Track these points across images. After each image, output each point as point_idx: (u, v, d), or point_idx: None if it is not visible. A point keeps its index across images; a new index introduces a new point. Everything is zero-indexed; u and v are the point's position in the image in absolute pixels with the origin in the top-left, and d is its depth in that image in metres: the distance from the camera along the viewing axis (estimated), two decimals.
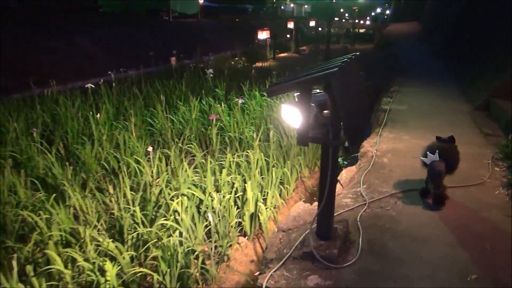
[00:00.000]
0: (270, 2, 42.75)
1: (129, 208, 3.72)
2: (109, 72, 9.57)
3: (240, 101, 6.75)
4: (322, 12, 52.13)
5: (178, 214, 3.65)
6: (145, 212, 3.81)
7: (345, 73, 2.46)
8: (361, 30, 32.77)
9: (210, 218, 3.62)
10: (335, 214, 3.08)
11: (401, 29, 24.48)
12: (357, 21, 34.71)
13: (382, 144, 5.48)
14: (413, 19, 27.28)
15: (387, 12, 52.12)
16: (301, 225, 3.36)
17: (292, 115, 2.61)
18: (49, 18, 17.99)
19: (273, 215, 4.55)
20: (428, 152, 3.69)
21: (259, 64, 15.96)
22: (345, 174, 4.51)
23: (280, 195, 4.91)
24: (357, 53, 3.14)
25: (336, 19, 35.74)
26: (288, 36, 22.61)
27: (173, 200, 3.80)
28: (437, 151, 3.66)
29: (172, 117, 6.96)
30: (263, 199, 4.43)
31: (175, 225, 3.53)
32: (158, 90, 9.02)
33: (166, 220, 3.60)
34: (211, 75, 9.92)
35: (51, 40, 14.80)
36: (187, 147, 5.73)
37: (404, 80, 10.44)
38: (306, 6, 56.39)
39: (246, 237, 4.20)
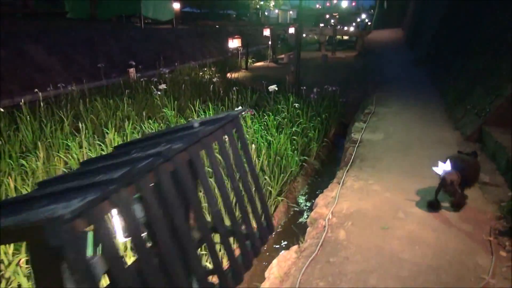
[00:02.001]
0: (254, 8, 41.26)
1: None
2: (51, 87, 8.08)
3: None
4: (307, 19, 50.89)
5: None
6: None
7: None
8: (345, 37, 31.39)
9: None
10: None
11: (384, 35, 23.11)
12: (339, 27, 33.33)
13: (342, 201, 3.92)
14: (396, 25, 25.98)
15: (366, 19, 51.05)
16: None
17: None
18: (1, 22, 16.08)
19: None
20: (439, 162, 3.66)
21: (230, 75, 14.39)
22: (275, 269, 2.91)
23: None
24: (233, 114, 1.63)
25: (321, 25, 34.35)
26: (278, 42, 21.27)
27: None
28: (448, 160, 3.65)
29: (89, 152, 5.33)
30: None
31: None
32: (98, 111, 7.51)
33: None
34: (159, 92, 8.30)
35: None
36: None
37: (382, 97, 8.91)
38: (291, 12, 55.01)
39: None
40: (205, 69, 14.75)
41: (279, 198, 5.15)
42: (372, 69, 13.53)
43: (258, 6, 41.38)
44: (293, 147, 6.32)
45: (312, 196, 5.93)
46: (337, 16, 27.15)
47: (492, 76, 6.47)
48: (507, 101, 5.65)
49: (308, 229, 3.56)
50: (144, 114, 7.77)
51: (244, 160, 1.73)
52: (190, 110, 7.71)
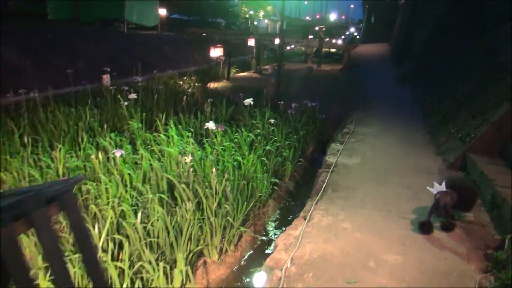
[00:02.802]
0: (243, 17, 40.93)
1: None
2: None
3: (118, 153, 4.50)
4: (296, 30, 50.79)
5: None
6: None
7: None
8: (332, 50, 31.17)
9: None
10: None
11: (370, 50, 22.81)
12: (327, 40, 33.12)
13: (306, 243, 3.35)
14: (384, 40, 25.76)
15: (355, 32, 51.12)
16: None
17: None
18: None
19: None
20: (435, 182, 3.62)
21: (210, 85, 13.82)
22: None
23: None
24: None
25: (310, 37, 34.13)
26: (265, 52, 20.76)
27: None
28: (444, 181, 3.61)
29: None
30: None
31: None
32: (59, 121, 6.90)
33: None
34: (126, 102, 7.67)
35: None
36: None
37: (363, 116, 8.42)
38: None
39: None
40: (185, 77, 14.15)
41: (242, 229, 4.56)
42: (356, 84, 13.10)
43: (247, 16, 41.05)
44: (266, 167, 5.75)
45: (283, 222, 5.38)
46: (323, 29, 26.79)
47: (478, 100, 6.01)
48: (493, 127, 5.18)
49: (265, 275, 2.97)
50: (110, 125, 7.21)
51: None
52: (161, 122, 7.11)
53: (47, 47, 14.89)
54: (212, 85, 13.78)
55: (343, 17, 71.36)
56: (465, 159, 5.29)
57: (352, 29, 55.84)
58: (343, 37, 47.46)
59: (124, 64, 16.02)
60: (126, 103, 7.72)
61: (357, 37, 43.66)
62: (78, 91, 10.15)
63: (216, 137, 6.23)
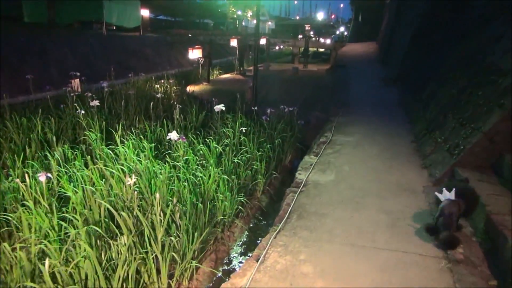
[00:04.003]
0: (231, 18, 40.17)
1: None
2: None
3: (42, 178, 3.69)
4: (285, 30, 50.14)
5: None
6: None
7: None
8: (321, 50, 30.50)
9: None
10: None
11: (357, 49, 22.16)
12: (314, 39, 32.43)
13: None
14: (372, 39, 25.16)
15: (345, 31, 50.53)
16: None
17: None
18: None
19: None
20: (444, 189, 3.50)
21: (189, 89, 13.04)
22: None
23: None
24: None
25: (300, 36, 33.41)
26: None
27: None
28: (454, 189, 3.47)
29: None
30: None
31: None
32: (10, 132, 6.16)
33: None
34: (83, 111, 6.88)
35: None
36: None
37: (344, 121, 7.71)
38: (270, 23, 54.11)
39: None
40: (162, 81, 13.35)
41: (193, 264, 3.81)
42: (340, 86, 12.39)
43: (235, 16, 40.32)
44: (233, 183, 5.01)
45: (251, 246, 4.67)
46: (309, 28, 26.12)
47: (467, 105, 5.32)
48: (485, 137, 4.48)
49: None
50: (69, 136, 6.49)
51: None
52: (124, 132, 6.37)
53: (18, 52, 14.02)
54: (191, 88, 13.01)
55: (333, 16, 70.86)
56: (453, 174, 4.58)
57: (342, 28, 55.26)
58: (333, 36, 46.89)
59: (101, 68, 15.17)
60: (82, 111, 6.93)
61: (345, 34, 43.10)
62: (40, 99, 9.35)
63: (179, 149, 5.52)
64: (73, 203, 3.83)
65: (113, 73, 12.12)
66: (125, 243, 3.37)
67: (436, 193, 3.57)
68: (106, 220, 3.74)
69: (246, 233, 5.19)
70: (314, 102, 10.44)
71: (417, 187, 4.52)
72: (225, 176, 4.88)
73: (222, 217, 4.64)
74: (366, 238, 3.36)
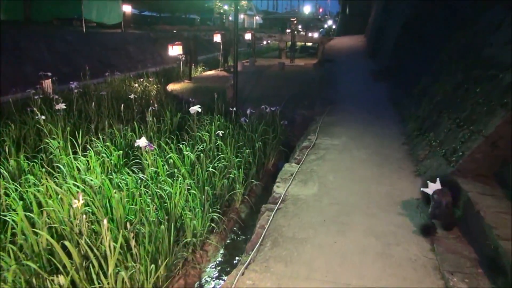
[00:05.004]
0: (218, 12, 39.29)
1: None
2: None
3: None
4: (273, 24, 49.38)
5: None
6: None
7: None
8: (309, 44, 29.87)
9: None
10: None
11: (346, 42, 21.53)
12: (302, 33, 31.76)
13: None
14: (360, 32, 24.56)
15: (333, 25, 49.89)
16: None
17: None
18: None
19: None
20: (428, 182, 3.46)
21: (170, 87, 12.33)
22: None
23: None
24: None
25: (288, 31, 32.69)
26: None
27: None
28: (437, 178, 3.46)
29: None
30: None
31: None
32: None
33: None
34: (43, 116, 6.19)
35: None
36: None
37: (330, 121, 7.10)
38: (257, 17, 53.27)
39: None
40: (142, 79, 12.61)
41: None
42: (327, 81, 11.76)
43: (222, 11, 39.44)
44: (206, 196, 4.38)
45: (227, 266, 4.08)
46: (295, 21, 25.43)
47: (464, 103, 4.72)
48: (487, 142, 3.89)
49: None
50: (32, 144, 5.83)
51: None
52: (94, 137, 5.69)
53: None
54: (172, 86, 12.29)
55: (320, 10, 70.04)
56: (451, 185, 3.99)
57: (330, 22, 54.56)
58: (321, 30, 46.18)
59: (80, 66, 14.29)
60: (43, 117, 6.24)
61: (333, 27, 42.44)
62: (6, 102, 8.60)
63: (148, 157, 4.91)
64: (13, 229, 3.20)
65: (88, 72, 11.35)
66: (61, 286, 2.76)
67: (422, 188, 3.50)
68: (56, 249, 3.11)
69: (222, 251, 4.59)
70: (300, 98, 9.82)
71: (411, 200, 3.92)
72: (194, 191, 4.25)
73: (191, 238, 4.03)
74: (352, 273, 2.76)
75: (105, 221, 3.13)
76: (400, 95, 8.15)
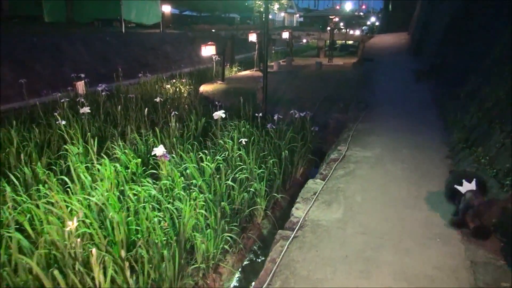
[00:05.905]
0: (257, 11, 38.83)
1: None
2: None
3: None
4: (315, 22, 48.29)
5: None
6: None
7: None
8: (349, 42, 28.85)
9: None
10: None
11: (387, 40, 20.41)
12: (344, 31, 30.70)
13: None
14: (403, 29, 23.31)
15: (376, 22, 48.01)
16: None
17: None
18: None
19: None
20: (464, 181, 3.24)
21: (201, 88, 12.05)
22: None
23: None
24: None
25: (329, 28, 31.85)
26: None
27: None
28: (474, 179, 3.25)
29: None
30: None
31: None
32: None
33: None
34: (63, 121, 6.00)
35: None
36: None
37: (365, 129, 6.45)
38: (297, 15, 52.36)
39: None
40: (174, 80, 12.40)
41: None
42: (366, 82, 11.00)
43: (261, 9, 38.94)
44: (222, 212, 3.97)
45: None
46: (334, 19, 24.53)
47: None
48: None
49: None
50: (55, 149, 5.71)
51: None
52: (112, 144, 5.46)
53: (31, 52, 13.47)
54: (204, 87, 12.00)
55: (363, 6, 67.88)
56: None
57: (373, 19, 52.64)
58: (364, 27, 44.60)
59: (116, 68, 14.35)
60: (63, 122, 6.05)
61: (376, 24, 40.88)
62: (22, 107, 8.64)
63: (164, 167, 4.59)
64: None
65: (121, 73, 11.28)
66: None
67: (456, 186, 3.32)
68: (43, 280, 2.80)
69: (238, 274, 4.15)
70: (336, 100, 9.20)
71: (452, 233, 3.27)
72: (208, 208, 3.82)
73: (201, 264, 3.62)
74: None
75: (93, 251, 2.77)
76: (444, 97, 7.33)
